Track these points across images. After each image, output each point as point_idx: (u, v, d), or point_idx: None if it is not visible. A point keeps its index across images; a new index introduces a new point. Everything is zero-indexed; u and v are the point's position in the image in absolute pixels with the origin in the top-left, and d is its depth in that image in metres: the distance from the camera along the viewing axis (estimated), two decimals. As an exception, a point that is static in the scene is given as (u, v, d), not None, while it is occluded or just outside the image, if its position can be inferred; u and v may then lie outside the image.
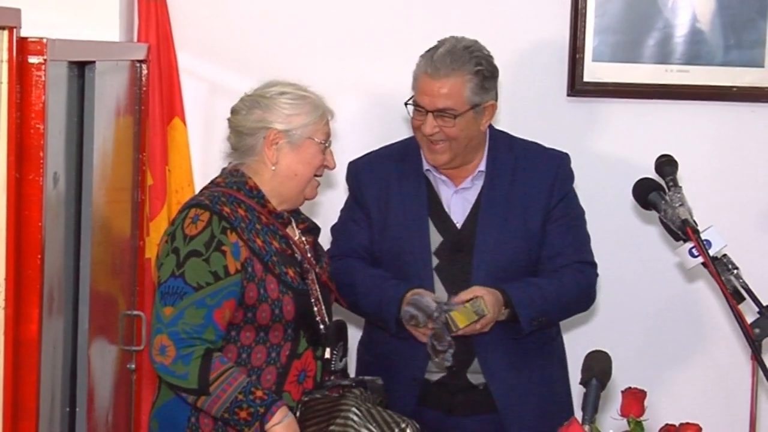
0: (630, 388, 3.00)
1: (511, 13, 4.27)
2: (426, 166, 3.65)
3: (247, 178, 3.31)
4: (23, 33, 2.80)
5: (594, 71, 4.27)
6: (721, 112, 4.31)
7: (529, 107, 4.28)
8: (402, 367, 3.60)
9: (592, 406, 2.89)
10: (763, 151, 4.32)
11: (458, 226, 3.62)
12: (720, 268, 3.21)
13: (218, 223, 3.18)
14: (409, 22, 4.26)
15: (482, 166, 3.64)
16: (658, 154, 3.47)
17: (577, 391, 3.09)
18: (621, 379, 3.18)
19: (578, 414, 2.91)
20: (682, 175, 3.44)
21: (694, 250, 3.25)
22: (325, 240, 3.64)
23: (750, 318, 3.17)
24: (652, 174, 3.45)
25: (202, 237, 3.17)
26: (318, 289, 3.36)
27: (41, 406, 2.93)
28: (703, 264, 3.24)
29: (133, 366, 3.93)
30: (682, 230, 3.25)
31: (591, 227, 3.75)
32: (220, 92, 4.23)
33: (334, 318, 3.41)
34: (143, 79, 4.04)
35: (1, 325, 2.79)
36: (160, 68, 4.10)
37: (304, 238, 3.42)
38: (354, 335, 3.71)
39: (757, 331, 3.15)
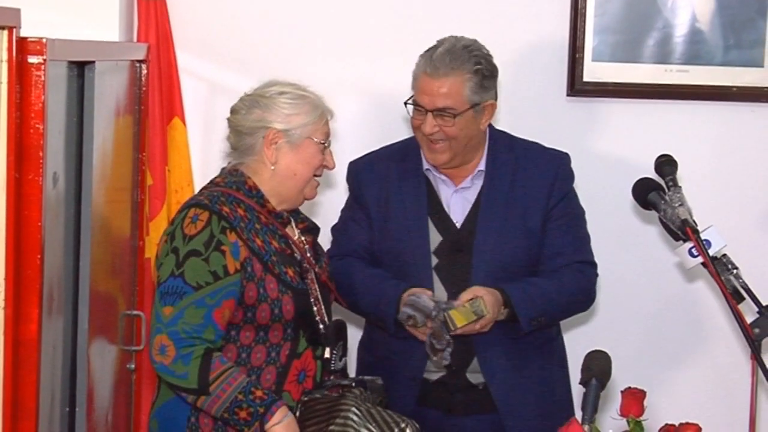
0: (630, 387, 3.00)
1: (511, 13, 4.27)
2: (426, 166, 3.66)
3: (246, 177, 3.31)
4: (23, 33, 2.80)
5: (594, 71, 4.27)
6: (720, 112, 4.31)
7: (529, 107, 4.28)
8: (401, 367, 3.60)
9: (591, 406, 2.89)
10: (763, 151, 4.32)
11: (458, 225, 3.62)
12: (720, 268, 3.21)
13: (217, 222, 3.18)
14: (409, 22, 4.26)
15: (482, 166, 3.64)
16: (658, 154, 3.46)
17: (577, 391, 3.09)
18: (621, 378, 3.18)
19: (578, 414, 2.91)
20: (682, 175, 3.43)
21: (693, 250, 3.25)
22: (325, 240, 3.64)
23: (750, 318, 3.17)
24: (651, 174, 3.44)
25: (201, 237, 3.17)
26: (317, 289, 3.36)
27: (41, 406, 2.93)
28: (703, 264, 3.24)
29: (133, 366, 3.93)
30: (682, 230, 3.25)
31: (591, 227, 3.75)
32: (219, 92, 4.23)
33: (334, 318, 3.41)
34: (143, 79, 4.04)
35: (1, 325, 2.79)
36: (159, 68, 4.10)
37: (303, 238, 3.42)
38: (354, 335, 3.71)
39: (756, 330, 3.15)
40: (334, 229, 3.77)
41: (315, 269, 3.38)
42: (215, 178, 3.37)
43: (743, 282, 3.20)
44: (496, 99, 3.61)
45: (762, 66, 4.27)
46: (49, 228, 2.93)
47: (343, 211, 3.80)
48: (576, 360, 3.15)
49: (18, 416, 2.84)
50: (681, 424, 2.99)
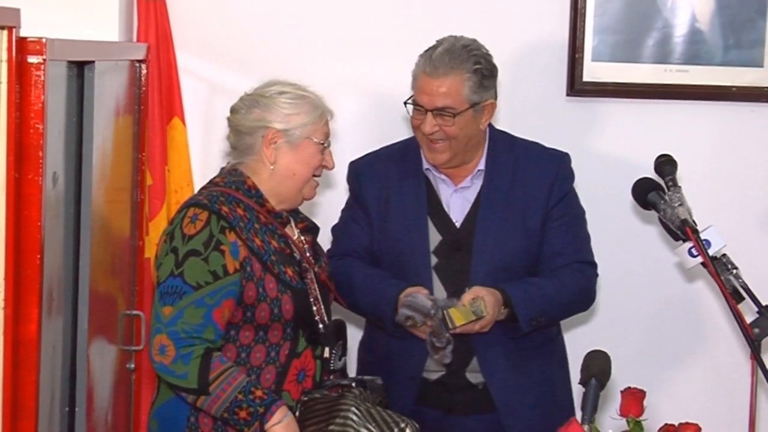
0: (629, 387, 3.00)
1: (511, 13, 4.27)
2: (426, 165, 3.66)
3: (245, 177, 3.31)
4: (23, 33, 2.80)
5: (593, 71, 4.27)
6: (720, 111, 4.31)
7: (529, 107, 4.28)
8: (401, 367, 3.59)
9: (591, 406, 2.89)
10: (763, 151, 4.32)
11: (457, 225, 3.62)
12: (719, 267, 3.21)
13: (217, 222, 3.18)
14: (409, 22, 4.26)
15: (482, 165, 3.64)
16: (658, 154, 3.46)
17: (577, 391, 3.09)
18: (620, 378, 3.18)
19: (578, 414, 2.91)
20: (682, 175, 3.44)
21: (693, 250, 3.25)
22: (324, 240, 3.64)
23: (749, 318, 3.17)
24: (651, 174, 3.45)
25: (200, 236, 3.17)
26: (317, 289, 3.36)
27: (40, 406, 2.93)
28: (703, 264, 3.24)
29: (133, 366, 3.93)
30: (682, 230, 3.25)
31: (591, 227, 3.75)
32: (219, 92, 4.23)
33: (334, 317, 3.41)
34: (142, 78, 4.04)
35: (1, 325, 2.79)
36: (159, 68, 4.10)
37: (303, 238, 3.42)
38: (354, 335, 3.71)
39: (756, 330, 3.15)
40: (335, 229, 3.78)
41: (314, 269, 3.38)
42: (214, 177, 3.37)
43: (743, 282, 3.20)
44: (495, 98, 3.61)
45: (762, 66, 4.27)
46: (48, 228, 2.93)
47: (343, 211, 3.80)
48: (576, 360, 3.15)
49: (18, 416, 2.84)
50: (681, 424, 2.99)
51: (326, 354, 3.32)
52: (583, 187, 3.78)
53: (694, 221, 3.26)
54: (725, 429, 3.86)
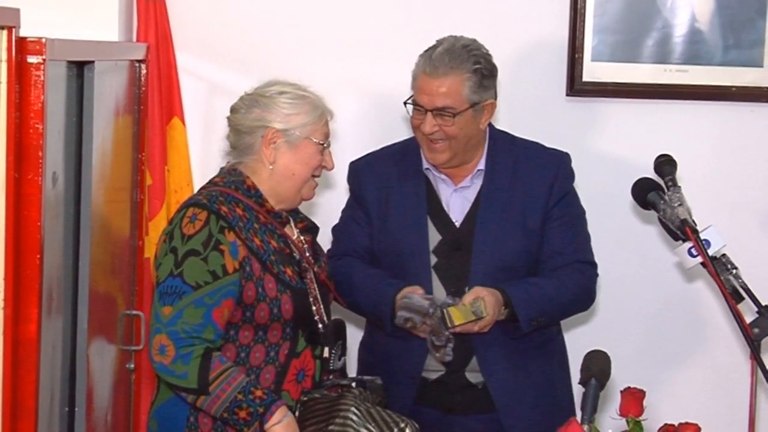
0: (629, 387, 3.00)
1: (511, 13, 4.27)
2: (426, 165, 3.66)
3: (245, 177, 3.31)
4: (22, 33, 2.80)
5: (593, 71, 4.27)
6: (720, 111, 4.31)
7: (529, 107, 4.28)
8: (400, 366, 3.59)
9: (591, 406, 2.89)
10: (763, 151, 4.32)
11: (457, 224, 3.62)
12: (719, 267, 3.21)
13: (216, 222, 3.18)
14: (409, 22, 4.26)
15: (482, 165, 3.64)
16: (658, 154, 3.46)
17: (577, 391, 3.09)
18: (620, 378, 3.18)
19: (578, 414, 2.91)
20: (682, 175, 3.44)
21: (693, 250, 3.25)
22: (324, 240, 3.64)
23: (749, 318, 3.17)
24: (651, 174, 3.45)
25: (200, 236, 3.17)
26: (316, 288, 3.36)
27: (40, 406, 2.93)
28: (702, 264, 3.24)
29: (132, 366, 3.93)
30: (681, 230, 3.25)
31: (591, 227, 3.75)
32: (219, 92, 4.23)
33: (333, 317, 3.41)
34: (142, 78, 4.04)
35: (1, 325, 2.79)
36: (159, 68, 4.09)
37: (302, 237, 3.42)
38: (354, 335, 3.71)
39: (756, 330, 3.15)
40: (335, 229, 3.78)
41: (314, 269, 3.38)
42: (214, 177, 3.37)
43: (743, 282, 3.20)
44: (495, 98, 3.61)
45: (761, 66, 4.27)
46: (48, 228, 2.93)
47: (343, 210, 3.80)
48: (576, 360, 3.15)
49: (17, 416, 2.84)
50: (680, 424, 2.99)
51: (326, 354, 3.32)
52: (583, 187, 3.78)
53: (693, 221, 3.26)
54: (725, 429, 3.85)
